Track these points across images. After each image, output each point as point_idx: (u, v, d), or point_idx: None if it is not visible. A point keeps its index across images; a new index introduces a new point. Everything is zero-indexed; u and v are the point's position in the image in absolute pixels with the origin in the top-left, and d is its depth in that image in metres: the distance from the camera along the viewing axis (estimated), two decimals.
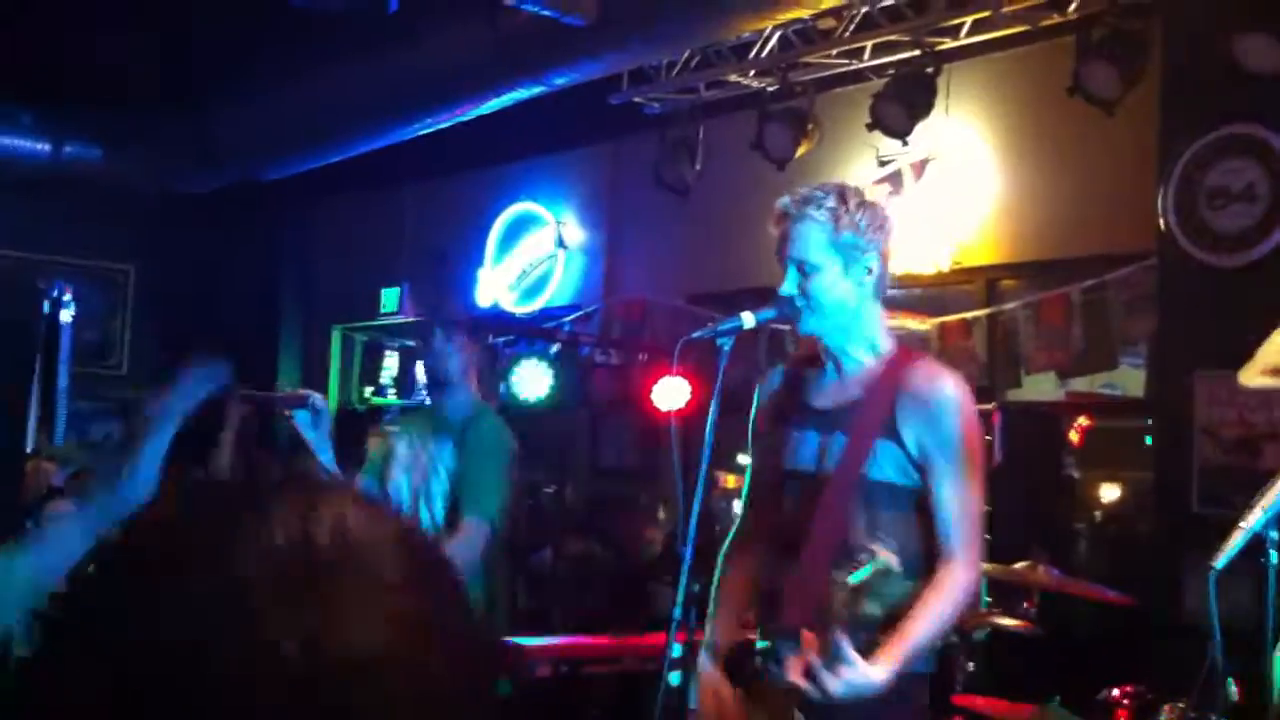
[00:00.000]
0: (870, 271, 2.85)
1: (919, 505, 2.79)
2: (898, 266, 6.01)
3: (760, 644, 2.88)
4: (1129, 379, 6.13)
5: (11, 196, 9.76)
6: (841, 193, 2.90)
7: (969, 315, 6.32)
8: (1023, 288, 6.33)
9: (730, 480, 9.85)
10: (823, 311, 2.85)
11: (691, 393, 5.34)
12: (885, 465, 2.79)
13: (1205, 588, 2.50)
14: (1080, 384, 6.23)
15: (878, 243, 2.88)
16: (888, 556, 2.47)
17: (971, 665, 4.21)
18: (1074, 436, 6.63)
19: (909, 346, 3.02)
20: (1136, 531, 5.94)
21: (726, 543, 3.12)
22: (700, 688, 2.94)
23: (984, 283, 6.44)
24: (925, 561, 2.74)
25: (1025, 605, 4.29)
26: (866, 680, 2.54)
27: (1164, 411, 5.29)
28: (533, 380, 6.90)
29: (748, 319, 2.86)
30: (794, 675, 2.57)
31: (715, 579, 3.08)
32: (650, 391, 6.42)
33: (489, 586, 4.31)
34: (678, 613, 2.78)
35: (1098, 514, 6.47)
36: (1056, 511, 6.07)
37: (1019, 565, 4.16)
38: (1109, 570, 5.75)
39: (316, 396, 4.05)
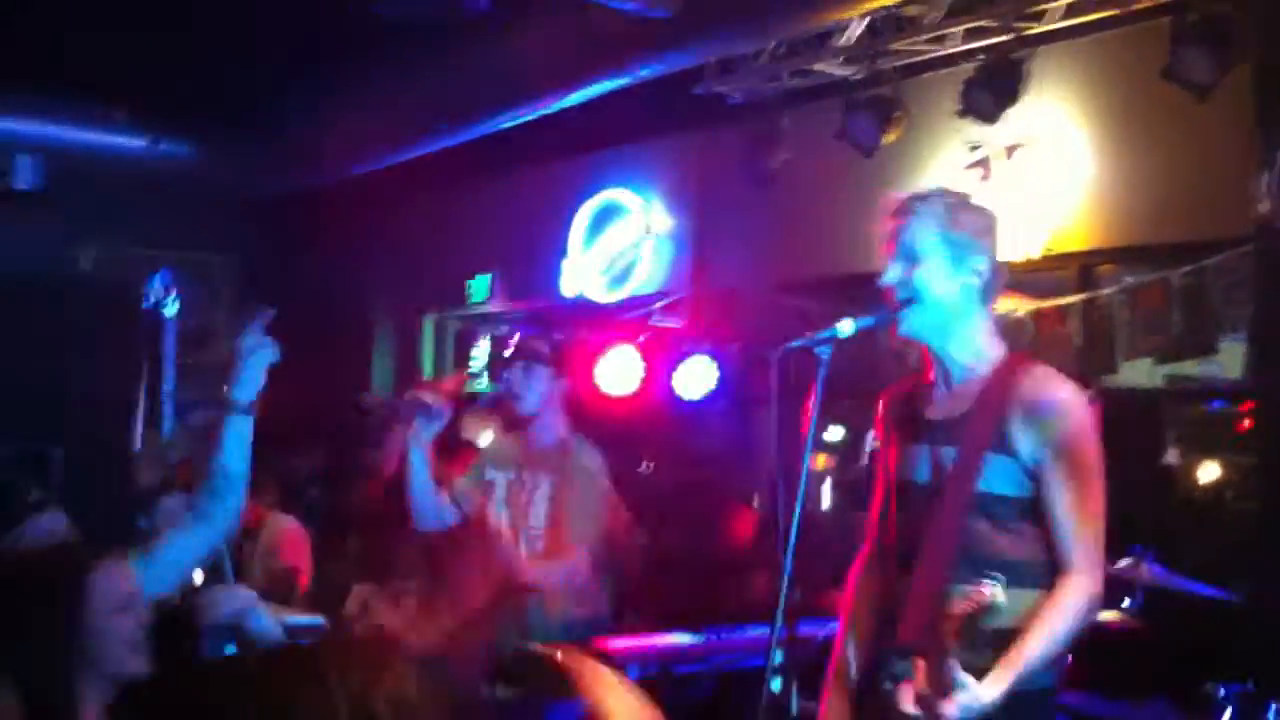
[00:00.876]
0: (978, 275, 2.84)
1: (1035, 516, 2.77)
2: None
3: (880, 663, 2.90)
4: (1229, 360, 6.02)
5: (109, 192, 9.99)
6: (955, 194, 2.91)
7: (1064, 301, 6.25)
8: (1116, 273, 6.24)
9: (820, 461, 9.85)
10: (925, 307, 2.83)
11: (780, 379, 5.34)
12: (997, 478, 2.77)
13: None
14: (1178, 369, 6.13)
15: (987, 248, 2.87)
16: (993, 591, 2.47)
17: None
18: (1174, 420, 6.54)
19: (1020, 353, 2.99)
20: (1240, 519, 5.85)
21: (857, 559, 3.13)
22: (827, 704, 2.96)
23: (1077, 269, 6.36)
24: (1045, 571, 2.73)
25: (1127, 601, 4.25)
26: (979, 702, 2.54)
27: (1266, 397, 5.21)
28: (622, 371, 6.94)
29: (845, 327, 2.85)
30: (906, 703, 2.59)
31: (847, 594, 3.10)
32: (739, 381, 6.44)
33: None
34: (779, 619, 2.80)
35: (1199, 502, 6.38)
36: (1157, 501, 5.99)
37: (1122, 563, 4.12)
38: (1212, 560, 5.67)
39: (430, 398, 4.12)
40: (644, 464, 7.52)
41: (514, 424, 4.39)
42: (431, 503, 4.19)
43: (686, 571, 6.80)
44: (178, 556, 2.91)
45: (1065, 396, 2.79)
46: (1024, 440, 2.76)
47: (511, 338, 8.36)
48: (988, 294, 2.88)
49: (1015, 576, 2.62)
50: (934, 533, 2.80)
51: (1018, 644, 2.62)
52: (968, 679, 2.52)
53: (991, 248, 2.88)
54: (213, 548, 2.87)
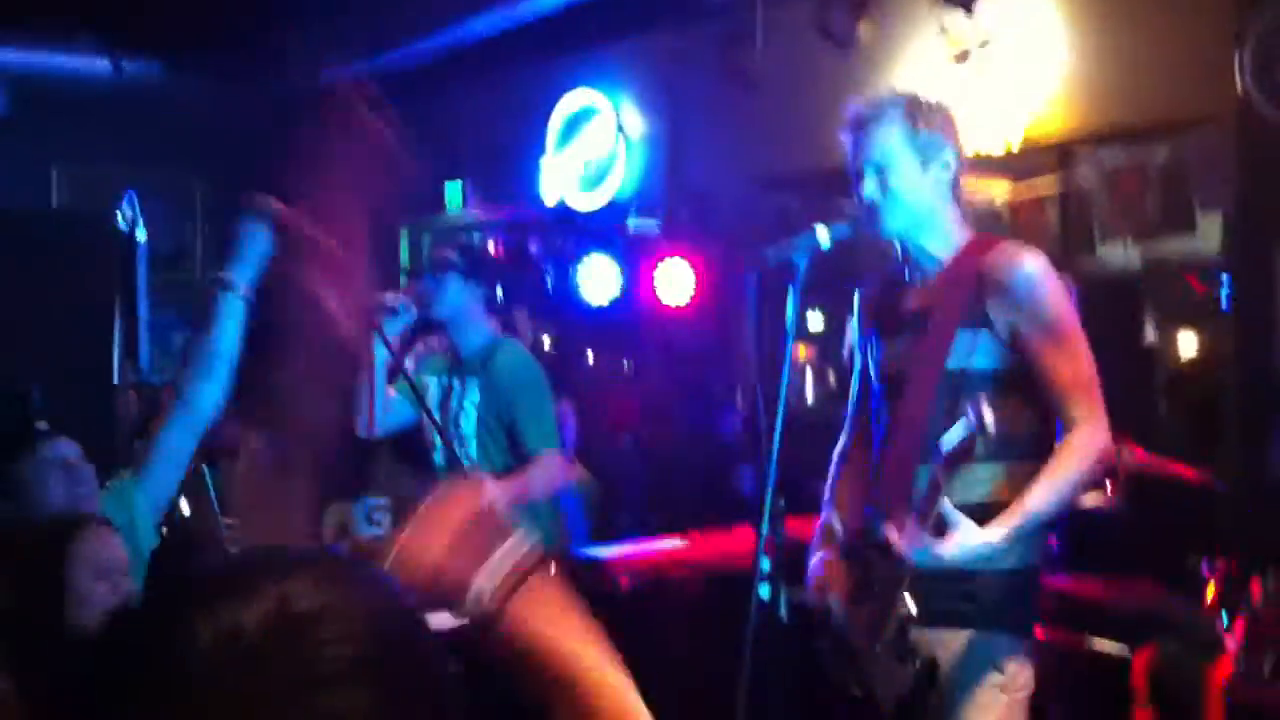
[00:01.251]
0: (948, 167, 2.87)
1: (1014, 389, 2.79)
2: (967, 142, 6.00)
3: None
4: (1208, 237, 6.02)
5: (74, 115, 9.86)
6: (912, 96, 2.92)
7: (1041, 187, 6.24)
8: (1096, 158, 6.22)
9: (802, 352, 9.89)
10: (903, 209, 2.86)
11: (761, 281, 5.35)
12: (969, 353, 2.81)
13: None
14: (1156, 249, 6.14)
15: (953, 139, 2.90)
16: (985, 412, 2.47)
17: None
18: (1153, 299, 6.55)
19: (984, 233, 3.02)
20: (1218, 397, 5.91)
21: (837, 447, 3.18)
22: (813, 564, 3.01)
23: (1055, 154, 6.33)
24: (1023, 445, 2.75)
25: (1107, 482, 4.30)
26: (981, 541, 2.54)
27: (1244, 278, 5.23)
28: (601, 279, 6.93)
29: (822, 234, 2.88)
30: (895, 539, 2.59)
31: (829, 480, 3.15)
32: (720, 283, 6.43)
33: (559, 509, 4.42)
34: (765, 527, 2.84)
35: (1181, 381, 6.42)
36: (1139, 381, 6.04)
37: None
38: (1192, 438, 5.73)
39: (390, 298, 4.17)
40: (624, 364, 7.54)
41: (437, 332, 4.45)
42: (369, 407, 4.22)
43: (674, 472, 6.87)
44: (170, 454, 2.92)
45: (1033, 265, 2.83)
46: (997, 312, 2.79)
47: (486, 245, 8.35)
48: (956, 185, 2.92)
49: (994, 450, 2.64)
50: (906, 413, 2.84)
51: (1023, 495, 2.65)
52: (963, 517, 2.54)
53: (954, 139, 2.90)
54: (198, 435, 2.88)
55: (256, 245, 3.01)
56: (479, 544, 1.35)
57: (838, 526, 3.07)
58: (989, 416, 2.45)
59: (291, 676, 0.87)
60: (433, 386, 4.36)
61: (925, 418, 2.80)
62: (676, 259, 6.96)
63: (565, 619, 1.36)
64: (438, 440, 4.24)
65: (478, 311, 4.36)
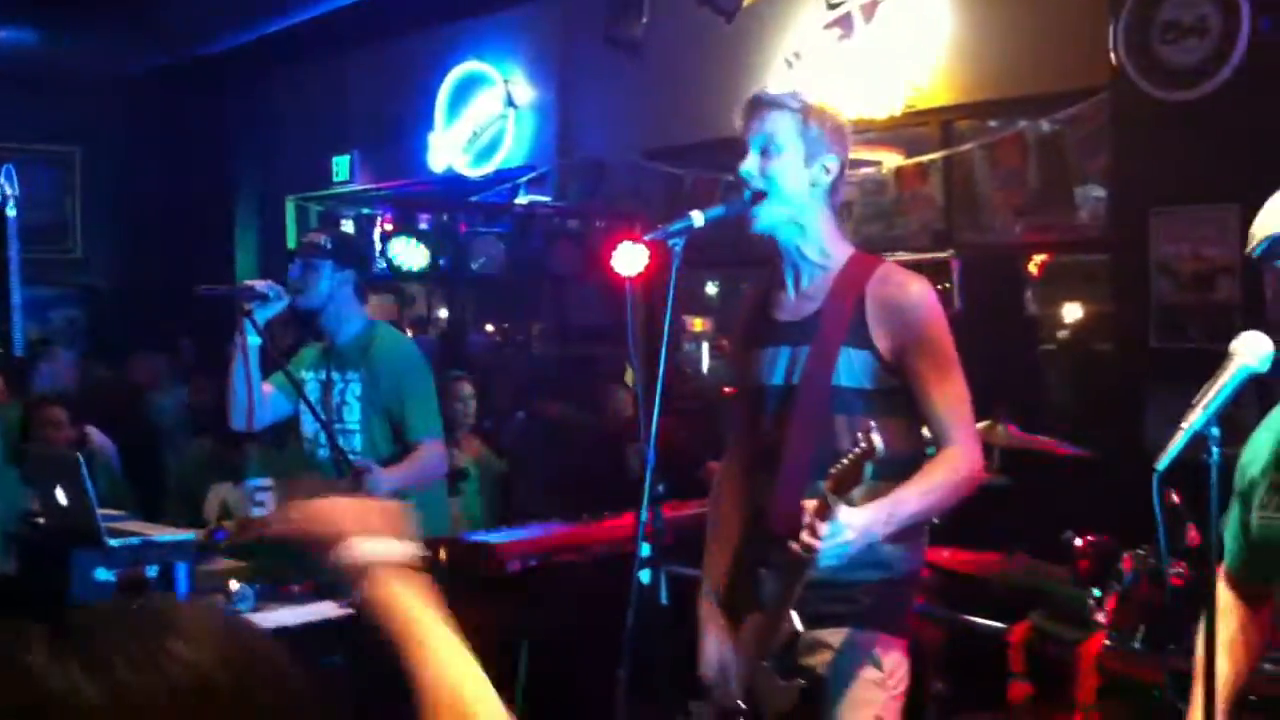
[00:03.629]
0: (828, 171, 2.87)
1: (893, 408, 2.81)
2: (851, 111, 6.02)
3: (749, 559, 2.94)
4: (1086, 208, 6.13)
5: None
6: (812, 96, 2.92)
7: (925, 158, 6.29)
8: (978, 128, 6.28)
9: (698, 324, 9.92)
10: (779, 198, 2.85)
11: (650, 258, 5.32)
12: (852, 372, 2.81)
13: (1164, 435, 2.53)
14: (1037, 221, 6.23)
15: (838, 149, 2.90)
16: (875, 438, 2.47)
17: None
18: (1033, 271, 6.67)
19: (864, 252, 3.02)
20: (1098, 368, 6.02)
21: (717, 475, 3.16)
22: (703, 632, 3.00)
23: (939, 125, 6.39)
24: (906, 464, 2.77)
25: (985, 458, 4.35)
26: (849, 522, 2.55)
27: (1120, 248, 5.31)
28: (492, 251, 6.87)
29: (697, 218, 2.86)
30: (800, 542, 2.58)
31: (709, 510, 3.13)
32: (611, 256, 6.38)
33: (444, 494, 4.38)
34: (644, 513, 2.82)
35: (1059, 353, 6.55)
36: (1018, 352, 6.14)
37: (979, 425, 4.21)
38: (1071, 408, 5.84)
39: (261, 285, 4.06)
40: (517, 337, 7.50)
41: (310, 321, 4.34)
42: (244, 397, 4.13)
43: (568, 449, 6.84)
44: None
45: (916, 290, 2.84)
46: (880, 334, 2.80)
47: (375, 219, 8.23)
48: (834, 193, 2.92)
49: (876, 470, 2.64)
50: (794, 430, 2.84)
51: (894, 490, 2.66)
52: (841, 507, 2.54)
53: (842, 150, 2.90)
54: None
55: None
56: (372, 520, 1.59)
57: (722, 583, 3.04)
58: (878, 441, 2.46)
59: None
60: (310, 381, 4.25)
61: (815, 435, 2.81)
62: (566, 231, 6.91)
63: (425, 606, 1.51)
64: (321, 435, 4.15)
65: (350, 298, 4.27)
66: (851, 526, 2.55)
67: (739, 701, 2.92)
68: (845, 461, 2.51)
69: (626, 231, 6.47)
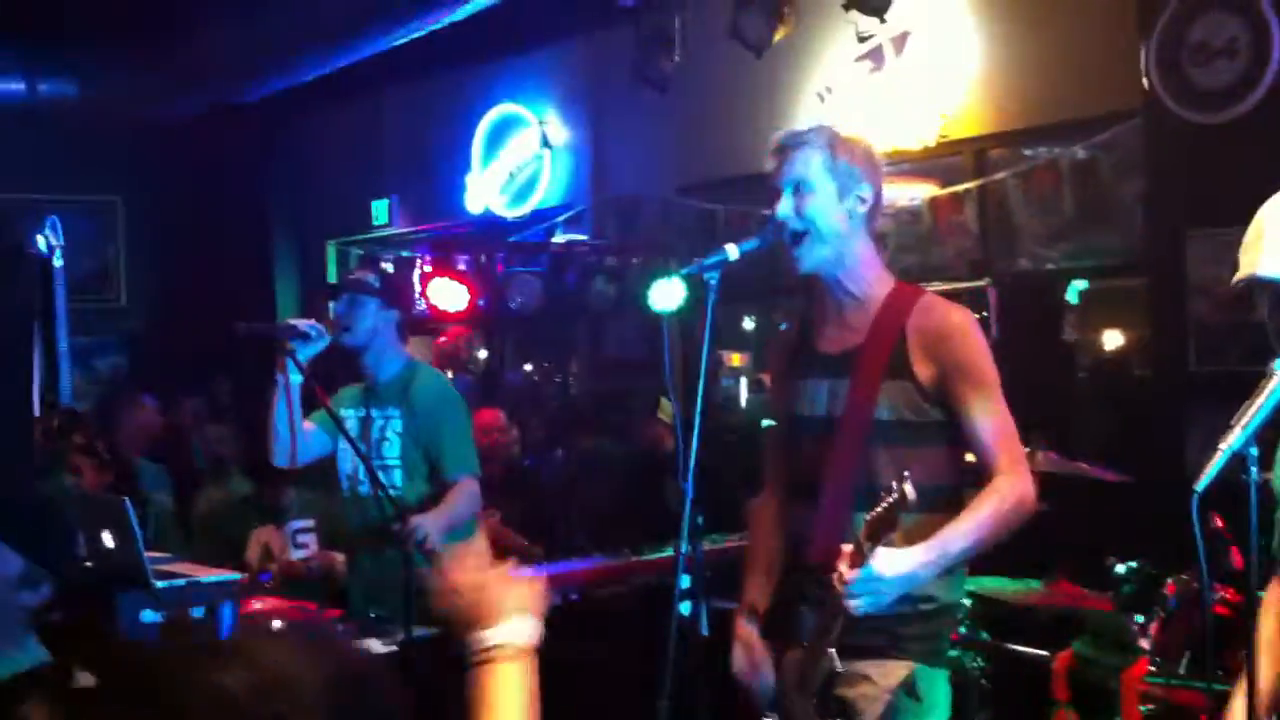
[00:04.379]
0: (863, 201, 2.88)
1: (935, 439, 2.82)
2: (884, 143, 6.04)
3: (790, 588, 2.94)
4: (1123, 233, 6.11)
5: None
6: (836, 129, 2.94)
7: (959, 188, 6.29)
8: (1012, 156, 6.28)
9: (735, 359, 9.92)
10: (818, 237, 2.86)
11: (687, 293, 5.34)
12: (894, 404, 2.82)
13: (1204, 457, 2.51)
14: (1074, 247, 6.22)
15: (871, 176, 2.91)
16: (907, 488, 2.47)
17: None
18: (1072, 300, 6.64)
19: (906, 283, 3.02)
20: (1137, 393, 5.98)
21: (755, 504, 3.16)
22: (736, 651, 3.01)
23: (972, 154, 6.39)
24: (947, 496, 2.77)
25: None
26: (905, 560, 2.56)
27: (1157, 271, 5.29)
28: (527, 290, 6.92)
29: (732, 251, 2.88)
30: (837, 581, 2.58)
31: (749, 537, 3.13)
32: (647, 291, 6.41)
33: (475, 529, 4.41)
34: (684, 544, 2.83)
35: (1098, 378, 6.50)
36: (1056, 378, 6.11)
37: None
38: (1111, 434, 5.80)
39: (303, 324, 4.10)
40: (555, 376, 7.54)
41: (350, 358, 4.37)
42: (287, 435, 4.16)
43: (606, 484, 6.85)
44: None
45: (959, 320, 2.85)
46: (922, 366, 2.80)
47: (415, 261, 8.31)
48: (871, 222, 2.92)
49: (919, 502, 2.65)
50: (835, 463, 2.84)
51: (942, 529, 2.65)
52: (878, 553, 2.54)
53: (874, 178, 2.91)
54: None
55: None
56: (520, 600, 1.72)
57: (760, 604, 3.05)
58: (910, 491, 2.46)
59: None
60: (350, 418, 4.29)
61: (854, 468, 2.81)
62: (602, 268, 6.96)
63: (517, 695, 1.64)
64: (360, 470, 4.18)
65: (393, 337, 4.31)
66: (887, 574, 2.55)
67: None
68: (880, 509, 2.51)
69: (662, 267, 6.52)
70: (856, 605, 2.57)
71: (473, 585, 1.72)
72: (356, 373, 4.40)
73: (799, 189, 2.87)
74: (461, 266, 7.76)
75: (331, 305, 4.44)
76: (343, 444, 4.22)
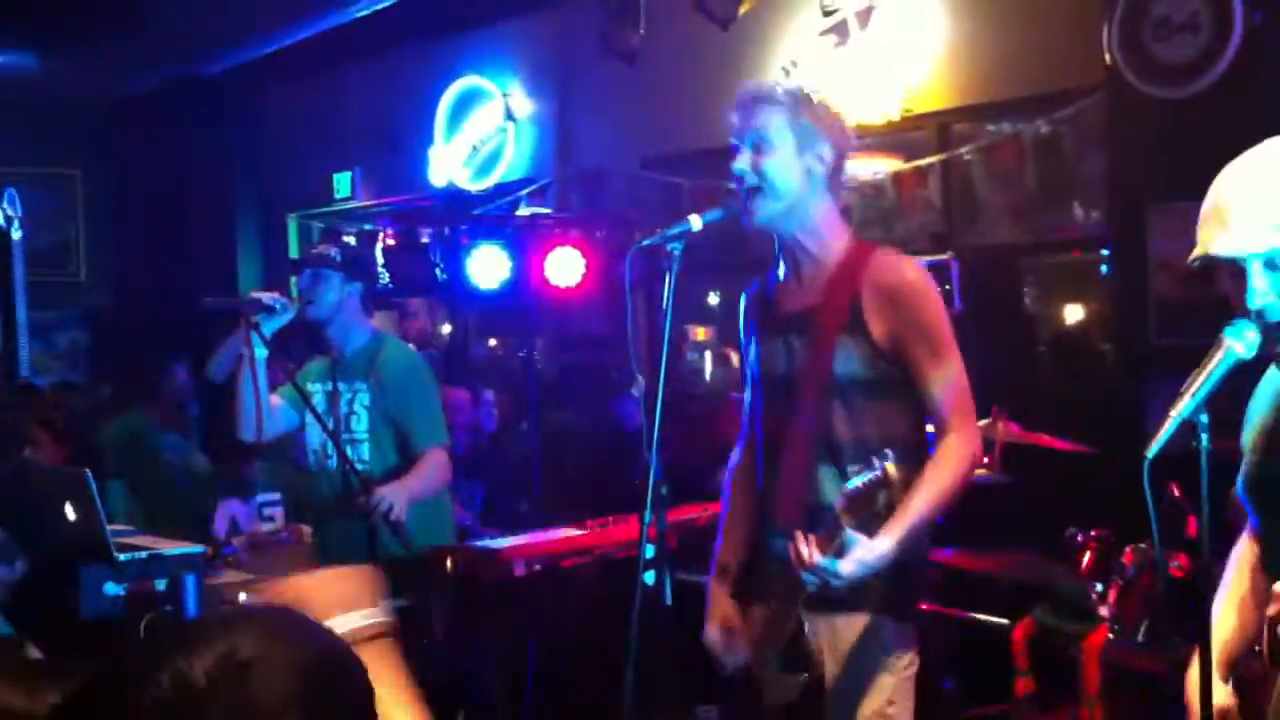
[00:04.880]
0: (822, 160, 2.88)
1: (890, 394, 2.83)
2: (849, 117, 6.04)
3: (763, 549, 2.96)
4: (1085, 207, 6.16)
5: None
6: (802, 87, 2.94)
7: (923, 162, 6.32)
8: (975, 131, 6.31)
9: (700, 333, 9.93)
10: (775, 193, 2.87)
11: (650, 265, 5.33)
12: (849, 360, 2.83)
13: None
14: (1036, 221, 6.26)
15: (833, 136, 2.91)
16: (890, 466, 2.49)
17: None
18: (1033, 273, 6.69)
19: (864, 240, 3.03)
20: (1098, 366, 6.04)
21: (730, 464, 3.18)
22: (710, 611, 3.03)
23: (935, 128, 6.41)
24: (908, 449, 2.79)
25: (987, 455, 4.37)
26: (873, 553, 2.58)
27: (1119, 246, 5.33)
28: (490, 265, 6.89)
29: (695, 221, 2.89)
30: (805, 557, 2.60)
31: (722, 503, 3.15)
32: (611, 264, 6.42)
33: (449, 501, 4.41)
34: (648, 514, 2.84)
35: (1060, 353, 6.56)
36: (1018, 351, 6.15)
37: (980, 424, 4.23)
38: (1071, 406, 5.85)
39: (268, 297, 4.09)
40: (522, 351, 7.53)
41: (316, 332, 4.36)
42: (253, 409, 4.15)
43: (572, 459, 6.87)
44: None
45: (914, 277, 2.86)
46: (875, 321, 2.81)
47: (377, 235, 8.27)
48: (832, 183, 2.93)
49: (877, 456, 2.66)
50: (795, 421, 2.86)
51: (904, 501, 2.67)
52: (858, 536, 2.56)
53: (837, 137, 2.91)
54: None
55: None
56: (337, 592, 1.62)
57: (731, 563, 3.06)
58: (894, 471, 2.47)
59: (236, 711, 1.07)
60: (317, 393, 4.28)
61: (815, 424, 2.83)
62: (566, 243, 6.93)
63: (395, 676, 1.58)
64: (328, 444, 4.18)
65: (357, 310, 4.30)
66: (864, 558, 2.57)
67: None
68: (859, 484, 2.51)
69: (626, 240, 6.51)
70: (811, 584, 2.59)
71: (292, 590, 1.65)
72: (322, 346, 4.39)
73: (759, 145, 2.88)
74: (424, 239, 7.72)
75: (294, 280, 4.41)
76: (310, 418, 4.21)
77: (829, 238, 2.94)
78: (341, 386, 4.29)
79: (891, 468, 2.47)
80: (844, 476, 2.71)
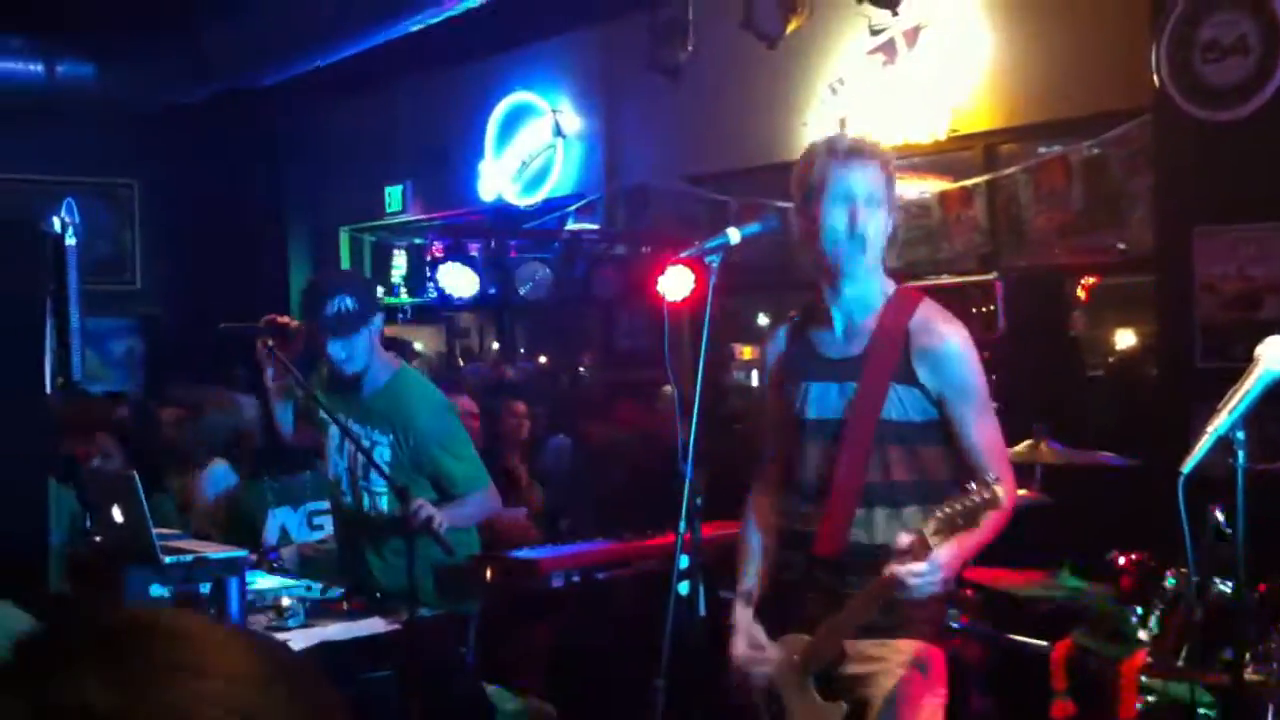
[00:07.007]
0: (893, 223, 2.94)
1: (935, 439, 2.90)
2: (895, 136, 6.06)
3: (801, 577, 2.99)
4: (1133, 232, 6.12)
5: (8, 121, 9.75)
6: (886, 148, 2.98)
7: (969, 182, 6.31)
8: (1021, 151, 6.30)
9: (747, 352, 9.94)
10: (873, 251, 2.89)
11: (695, 283, 5.35)
12: (900, 406, 2.89)
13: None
14: (1082, 243, 6.23)
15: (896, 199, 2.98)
16: (998, 489, 2.57)
17: None
18: (1080, 294, 6.65)
19: (904, 286, 3.07)
20: (1142, 389, 6.00)
21: (750, 495, 3.19)
22: (736, 637, 3.05)
23: (982, 149, 6.41)
24: (938, 491, 2.83)
25: (1028, 476, 4.36)
26: (955, 560, 2.70)
27: (1165, 268, 5.30)
28: (539, 279, 6.95)
29: (733, 235, 2.92)
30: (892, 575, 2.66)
31: (743, 530, 3.17)
32: (655, 280, 6.44)
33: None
34: (682, 526, 2.87)
35: (1103, 374, 6.52)
36: (1062, 372, 6.12)
37: (1021, 447, 4.22)
38: (1115, 430, 5.81)
39: (284, 320, 4.10)
40: (564, 363, 7.57)
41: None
42: (289, 425, 4.28)
43: (615, 472, 6.88)
44: None
45: (955, 341, 2.90)
46: (924, 375, 2.88)
47: (429, 248, 8.34)
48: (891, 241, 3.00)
49: (923, 496, 2.76)
50: (843, 463, 2.89)
51: (962, 539, 2.71)
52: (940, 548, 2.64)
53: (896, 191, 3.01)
54: None
55: None
56: None
57: (755, 593, 3.09)
58: (1001, 492, 2.56)
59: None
60: (331, 430, 4.19)
61: (864, 465, 2.87)
62: (612, 257, 6.98)
63: None
64: (344, 481, 4.13)
65: (380, 348, 4.21)
66: (946, 567, 2.64)
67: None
68: (960, 506, 2.58)
69: (671, 256, 6.55)
70: (920, 590, 2.65)
71: None
72: (337, 381, 4.24)
73: (855, 206, 2.86)
74: (473, 253, 7.78)
75: (327, 345, 4.20)
76: (330, 449, 4.23)
77: (878, 284, 2.97)
78: (358, 429, 4.11)
79: (999, 490, 2.54)
80: (899, 518, 2.78)
